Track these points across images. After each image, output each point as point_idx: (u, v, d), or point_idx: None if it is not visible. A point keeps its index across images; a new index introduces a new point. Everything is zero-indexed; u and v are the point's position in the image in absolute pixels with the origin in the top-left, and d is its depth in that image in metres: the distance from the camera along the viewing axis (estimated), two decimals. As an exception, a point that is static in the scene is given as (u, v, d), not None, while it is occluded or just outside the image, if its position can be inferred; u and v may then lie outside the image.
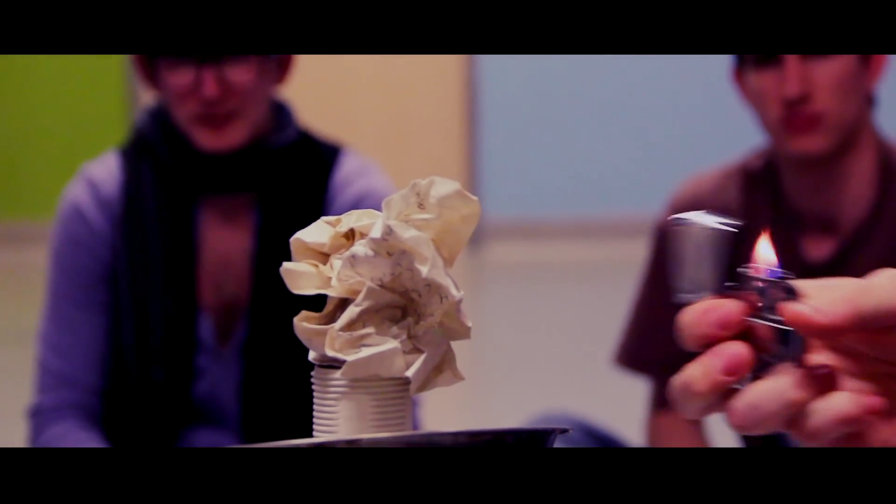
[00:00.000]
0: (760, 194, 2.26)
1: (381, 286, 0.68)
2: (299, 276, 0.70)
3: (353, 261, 0.68)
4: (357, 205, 2.22)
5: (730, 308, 0.74)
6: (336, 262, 0.70)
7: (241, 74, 2.13)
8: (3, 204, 7.81)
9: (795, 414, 0.73)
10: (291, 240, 0.70)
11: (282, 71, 2.24)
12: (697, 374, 0.73)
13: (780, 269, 0.73)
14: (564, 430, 0.71)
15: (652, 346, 2.35)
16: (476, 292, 6.22)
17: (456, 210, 0.69)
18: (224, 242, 2.23)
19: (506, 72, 7.69)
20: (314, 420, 0.70)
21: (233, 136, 2.15)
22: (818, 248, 2.21)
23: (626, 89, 7.65)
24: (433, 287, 0.68)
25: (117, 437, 2.22)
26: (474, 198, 0.69)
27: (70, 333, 2.20)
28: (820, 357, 0.77)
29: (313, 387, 0.71)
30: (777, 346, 0.73)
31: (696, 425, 2.34)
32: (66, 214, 2.22)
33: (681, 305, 0.75)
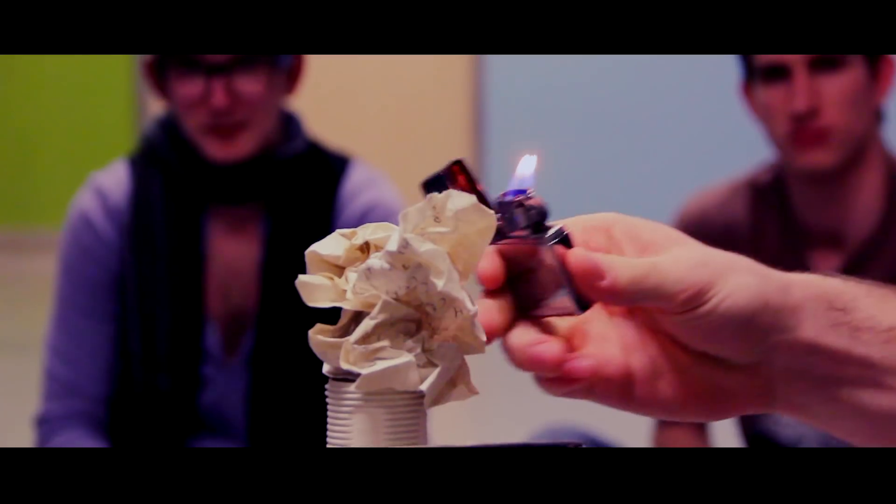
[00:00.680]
0: (768, 209, 2.26)
1: (397, 299, 0.68)
2: (314, 288, 0.70)
3: (369, 273, 0.68)
4: (365, 215, 2.22)
5: (490, 268, 0.74)
6: (351, 274, 0.70)
7: (250, 85, 2.13)
8: (11, 212, 7.82)
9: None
10: (307, 252, 0.71)
11: (291, 82, 2.24)
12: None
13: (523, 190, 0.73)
14: (577, 445, 0.71)
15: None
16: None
17: (472, 224, 0.69)
18: (232, 252, 2.23)
19: (513, 83, 7.69)
20: (328, 432, 0.70)
21: (241, 147, 2.15)
22: (826, 263, 2.21)
23: (634, 102, 7.65)
24: (448, 301, 0.68)
25: (123, 446, 2.22)
26: (490, 211, 0.69)
27: (77, 342, 2.20)
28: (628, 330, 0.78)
29: (327, 400, 0.71)
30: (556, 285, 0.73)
31: (703, 437, 2.34)
32: (74, 223, 2.22)
33: None
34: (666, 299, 0.74)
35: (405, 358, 0.68)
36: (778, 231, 2.24)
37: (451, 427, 3.48)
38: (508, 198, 0.73)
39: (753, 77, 2.19)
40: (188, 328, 2.19)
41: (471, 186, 0.72)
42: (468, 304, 0.69)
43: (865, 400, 0.78)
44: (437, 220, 0.68)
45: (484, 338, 0.70)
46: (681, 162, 7.64)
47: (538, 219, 0.71)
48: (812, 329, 0.77)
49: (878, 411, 0.78)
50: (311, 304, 0.70)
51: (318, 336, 0.70)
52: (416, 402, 0.70)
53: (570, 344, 0.76)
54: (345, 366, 0.69)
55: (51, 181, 7.77)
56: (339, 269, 0.72)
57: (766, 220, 2.26)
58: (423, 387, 0.69)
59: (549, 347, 0.74)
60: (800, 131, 2.13)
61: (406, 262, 0.67)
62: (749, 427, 2.29)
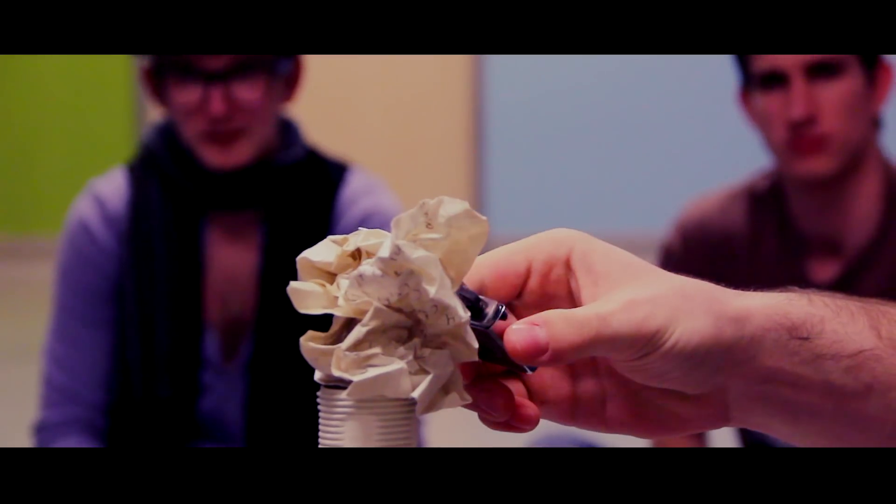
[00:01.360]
0: (766, 216, 2.26)
1: (388, 306, 0.68)
2: (306, 295, 0.70)
3: (361, 280, 0.68)
4: (363, 222, 2.22)
5: None
6: (343, 281, 0.70)
7: (248, 92, 2.13)
8: (10, 219, 7.82)
9: None
10: (298, 259, 0.70)
11: (289, 89, 2.24)
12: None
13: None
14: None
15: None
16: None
17: (464, 230, 0.69)
18: (230, 259, 2.23)
19: (512, 88, 7.69)
20: (320, 439, 0.70)
21: (240, 154, 2.15)
22: (824, 271, 2.21)
23: (633, 108, 7.65)
24: (440, 308, 0.68)
25: (119, 449, 2.22)
26: (483, 217, 0.69)
27: (76, 349, 2.20)
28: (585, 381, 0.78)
29: (319, 407, 0.71)
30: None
31: (700, 443, 2.34)
32: (73, 230, 2.22)
33: None
34: (613, 354, 0.73)
35: (397, 365, 0.68)
36: (776, 238, 2.24)
37: (448, 435, 3.48)
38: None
39: (751, 84, 2.19)
40: (187, 335, 2.19)
41: None
42: (460, 312, 0.69)
43: (826, 423, 0.77)
44: (429, 226, 0.68)
45: (476, 345, 0.70)
46: (679, 164, 7.65)
47: (472, 304, 0.71)
48: (770, 358, 0.75)
49: (838, 433, 0.77)
50: (302, 310, 0.70)
51: (310, 343, 0.70)
52: (408, 410, 0.70)
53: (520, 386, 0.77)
54: (336, 373, 0.69)
55: (50, 188, 7.77)
56: (331, 276, 0.71)
57: (765, 227, 2.26)
58: (415, 394, 0.68)
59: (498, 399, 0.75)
60: (797, 138, 2.13)
61: (398, 269, 0.67)
62: (747, 432, 2.29)
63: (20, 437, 2.91)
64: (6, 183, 7.80)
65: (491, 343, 0.72)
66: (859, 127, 2.16)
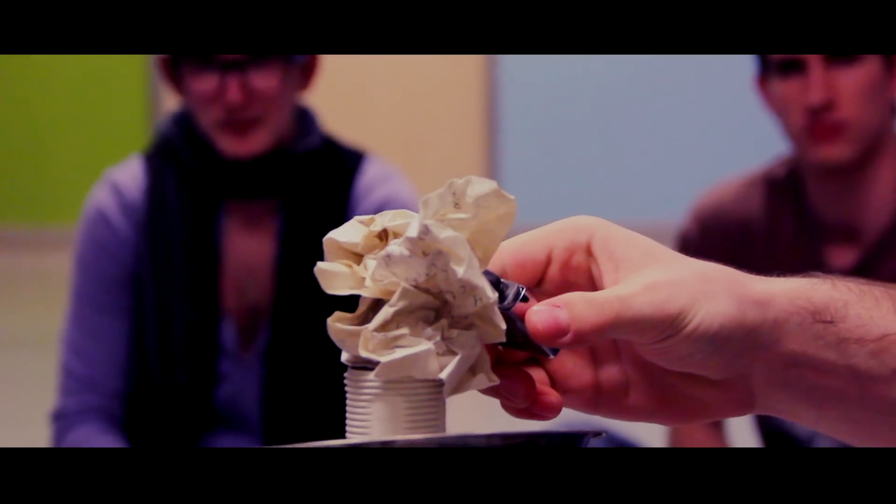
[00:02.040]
0: (784, 203, 2.25)
1: (416, 287, 0.68)
2: (333, 276, 0.69)
3: (388, 260, 0.67)
4: (380, 210, 2.21)
5: None
6: (370, 262, 0.70)
7: (265, 80, 2.13)
8: (27, 209, 7.84)
9: None
10: (325, 239, 0.70)
11: (306, 77, 2.24)
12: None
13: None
14: (598, 434, 0.71)
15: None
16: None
17: (492, 209, 0.69)
18: (247, 248, 2.23)
19: (526, 78, 7.68)
20: (347, 421, 0.70)
21: (256, 142, 2.15)
22: (841, 257, 2.21)
23: (648, 96, 7.64)
24: (468, 288, 0.68)
25: (140, 441, 2.22)
26: (511, 197, 0.68)
27: (93, 337, 2.21)
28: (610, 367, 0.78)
29: (346, 388, 0.71)
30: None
31: (718, 429, 2.34)
32: (90, 219, 2.22)
33: None
34: (635, 336, 0.73)
35: (424, 346, 0.68)
36: (793, 225, 2.24)
37: (464, 419, 3.48)
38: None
39: (769, 70, 2.19)
40: (204, 323, 2.19)
41: None
42: (488, 292, 0.69)
43: (851, 408, 0.76)
44: (457, 206, 0.68)
45: (503, 326, 0.70)
46: (695, 156, 7.63)
47: (493, 286, 0.71)
48: (794, 342, 0.75)
49: (863, 418, 0.77)
50: (329, 291, 0.69)
51: (337, 324, 0.69)
52: (436, 391, 0.70)
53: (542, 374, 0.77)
54: (364, 354, 0.68)
55: (65, 179, 7.78)
56: (358, 257, 0.71)
57: (782, 214, 2.25)
58: (443, 375, 0.68)
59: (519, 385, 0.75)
60: (815, 125, 2.13)
61: (426, 249, 0.67)
62: (765, 421, 2.29)
63: (38, 426, 2.92)
64: (23, 173, 7.81)
65: (512, 326, 0.72)
66: (877, 113, 2.15)
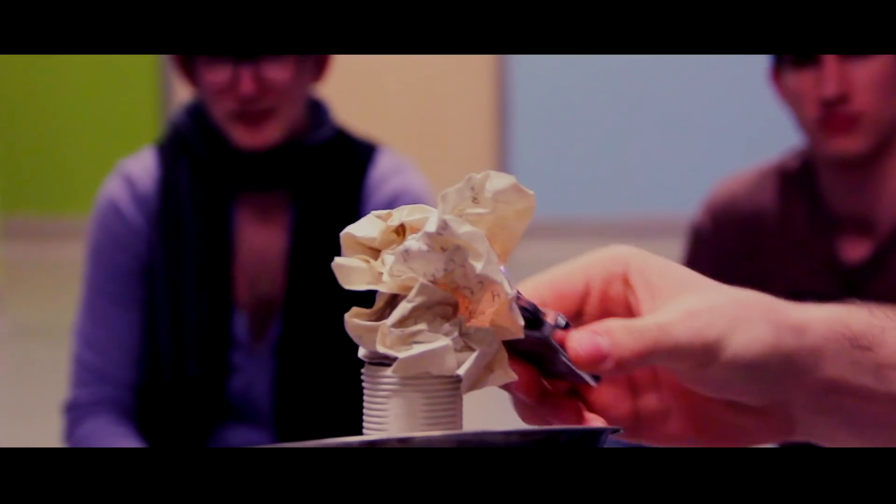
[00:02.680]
0: (797, 195, 2.25)
1: (434, 282, 0.68)
2: (350, 271, 0.69)
3: (406, 255, 0.67)
4: (392, 203, 2.22)
5: (523, 381, 0.75)
6: (388, 257, 0.70)
7: (278, 72, 2.13)
8: (39, 200, 7.84)
9: None
10: (342, 234, 0.70)
11: (319, 69, 2.24)
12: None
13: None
14: (616, 430, 0.70)
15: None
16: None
17: (511, 204, 0.68)
18: (259, 239, 2.23)
19: (537, 71, 7.67)
20: (364, 418, 0.70)
21: (269, 134, 2.15)
22: (855, 250, 2.20)
23: (661, 88, 7.63)
24: (486, 284, 0.68)
25: (151, 433, 2.23)
26: (530, 192, 0.68)
27: (106, 329, 2.21)
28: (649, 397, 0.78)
29: (363, 384, 0.70)
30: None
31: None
32: (102, 210, 2.22)
33: None
34: (674, 363, 0.73)
35: (442, 342, 0.68)
36: (806, 217, 2.23)
37: (476, 417, 3.48)
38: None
39: (783, 63, 2.18)
40: (216, 315, 2.19)
41: None
42: (506, 288, 0.68)
43: (891, 434, 0.76)
44: (475, 201, 0.68)
45: (521, 322, 0.69)
46: (708, 149, 7.62)
47: (532, 316, 0.71)
48: (832, 369, 0.75)
49: None
50: (347, 286, 0.69)
51: (354, 319, 0.69)
52: (453, 387, 0.70)
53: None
54: (381, 349, 0.68)
55: (77, 169, 7.79)
56: (375, 252, 0.71)
57: (795, 206, 2.25)
58: (461, 371, 0.68)
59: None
60: (829, 117, 2.12)
61: (444, 244, 0.67)
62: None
63: (50, 416, 2.93)
64: (35, 164, 7.82)
65: (552, 354, 0.72)
66: (892, 106, 2.15)
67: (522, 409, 0.76)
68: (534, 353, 0.73)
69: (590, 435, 0.68)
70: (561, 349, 0.72)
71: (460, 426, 0.70)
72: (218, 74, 2.13)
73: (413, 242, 0.67)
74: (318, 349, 2.19)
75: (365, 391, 0.70)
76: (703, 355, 0.72)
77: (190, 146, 2.22)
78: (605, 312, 0.76)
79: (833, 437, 0.77)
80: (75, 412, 2.21)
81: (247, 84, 2.11)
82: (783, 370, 0.74)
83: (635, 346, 0.71)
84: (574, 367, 0.72)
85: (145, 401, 2.23)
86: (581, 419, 0.75)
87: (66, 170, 7.82)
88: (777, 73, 2.21)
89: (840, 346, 0.75)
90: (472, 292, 0.68)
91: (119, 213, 2.21)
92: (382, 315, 0.69)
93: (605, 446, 0.71)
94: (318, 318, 2.19)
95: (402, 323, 0.67)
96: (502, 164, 7.80)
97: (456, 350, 0.68)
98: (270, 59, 2.13)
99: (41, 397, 4.43)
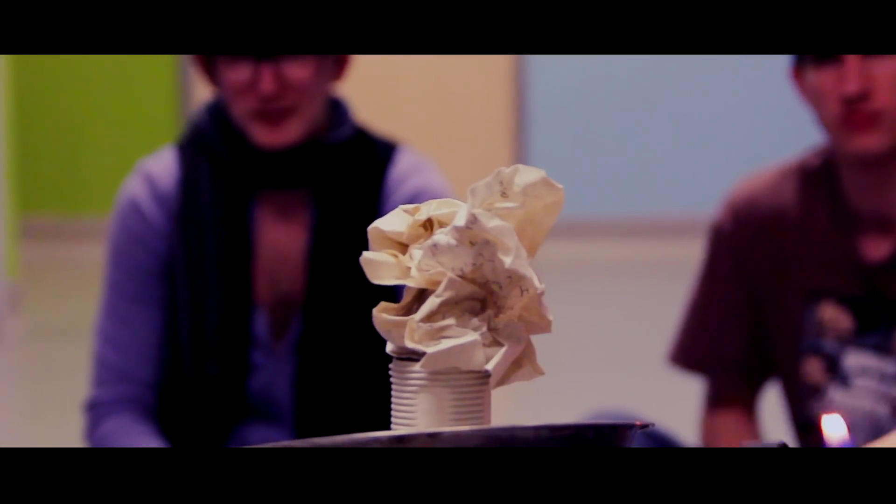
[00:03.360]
0: (818, 194, 2.24)
1: (462, 276, 0.67)
2: (379, 265, 0.69)
3: (435, 250, 0.67)
4: (412, 201, 2.21)
5: None
6: (416, 251, 0.69)
7: (298, 71, 2.13)
8: (60, 199, 7.86)
9: None
10: (369, 229, 0.70)
11: (339, 68, 2.24)
12: None
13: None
14: (645, 426, 0.70)
15: (707, 344, 2.34)
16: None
17: (540, 198, 0.68)
18: (279, 238, 2.23)
19: (555, 71, 7.66)
20: (392, 412, 0.69)
21: (289, 133, 2.15)
22: (876, 249, 2.19)
23: (680, 87, 7.61)
24: (514, 279, 0.67)
25: (172, 432, 2.23)
26: (559, 186, 0.67)
27: (126, 327, 2.21)
28: None
29: (391, 379, 0.70)
30: None
31: (752, 422, 2.33)
32: (123, 209, 2.23)
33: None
34: None
35: (471, 337, 0.67)
36: (827, 215, 2.22)
37: (496, 411, 3.48)
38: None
39: (804, 61, 2.17)
40: (237, 314, 2.19)
41: None
42: (535, 283, 0.68)
43: None
44: (504, 195, 0.67)
45: (550, 317, 0.69)
46: (729, 147, 7.60)
47: None
48: None
49: None
50: (375, 281, 0.69)
51: (383, 315, 0.68)
52: (481, 382, 0.69)
53: None
54: (409, 344, 0.68)
55: (97, 169, 7.81)
56: (403, 247, 0.70)
57: (816, 204, 2.24)
58: (489, 366, 0.67)
59: None
60: (850, 115, 2.11)
61: (473, 238, 0.66)
62: (798, 413, 2.28)
63: (71, 415, 2.93)
64: (55, 164, 7.84)
65: None
66: (914, 103, 2.13)
67: None
68: None
69: (618, 430, 0.68)
70: None
71: (489, 421, 0.70)
72: (238, 74, 2.13)
73: (442, 237, 0.67)
74: (339, 348, 2.19)
75: (393, 386, 0.69)
76: None
77: (210, 145, 2.22)
78: None
79: None
80: (96, 411, 2.21)
81: (267, 83, 2.11)
82: None
83: None
84: None
85: (166, 400, 2.23)
86: None
87: (85, 170, 7.83)
88: (798, 71, 2.20)
89: None
90: (500, 287, 0.67)
91: (140, 212, 2.21)
92: (410, 310, 0.69)
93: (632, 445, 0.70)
94: (339, 316, 2.19)
95: (430, 317, 0.67)
96: (520, 164, 7.79)
97: (484, 345, 0.68)
98: (291, 58, 2.13)
99: (61, 397, 4.44)
